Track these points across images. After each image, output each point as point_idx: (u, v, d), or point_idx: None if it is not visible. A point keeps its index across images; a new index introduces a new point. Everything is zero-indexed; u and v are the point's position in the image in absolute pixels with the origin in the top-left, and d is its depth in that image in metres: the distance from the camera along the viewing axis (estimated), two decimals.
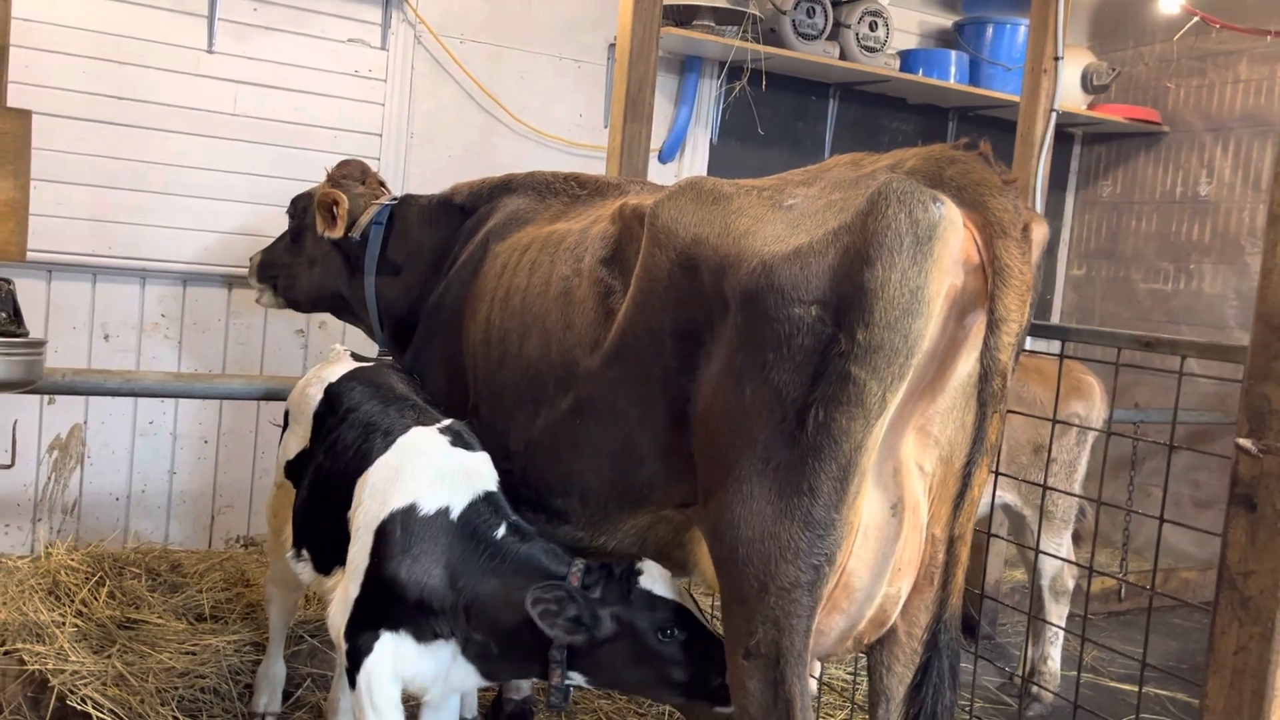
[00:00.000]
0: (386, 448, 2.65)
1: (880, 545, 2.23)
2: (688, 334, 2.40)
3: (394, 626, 2.45)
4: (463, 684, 2.58)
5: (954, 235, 2.04)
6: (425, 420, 2.75)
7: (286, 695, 3.62)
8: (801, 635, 2.16)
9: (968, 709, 3.77)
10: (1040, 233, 2.17)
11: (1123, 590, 5.68)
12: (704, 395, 2.35)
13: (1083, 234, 7.32)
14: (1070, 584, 4.41)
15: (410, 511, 2.48)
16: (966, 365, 2.18)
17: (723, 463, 2.26)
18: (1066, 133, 7.08)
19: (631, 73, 4.00)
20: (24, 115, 3.02)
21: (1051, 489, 3.51)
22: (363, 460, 2.66)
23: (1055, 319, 7.39)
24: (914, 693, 2.27)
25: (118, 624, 3.89)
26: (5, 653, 3.57)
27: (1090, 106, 6.66)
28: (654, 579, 2.41)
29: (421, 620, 2.45)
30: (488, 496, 2.55)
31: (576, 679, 2.44)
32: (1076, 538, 4.57)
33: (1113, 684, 4.75)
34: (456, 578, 2.44)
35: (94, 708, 3.36)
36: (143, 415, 4.88)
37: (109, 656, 3.63)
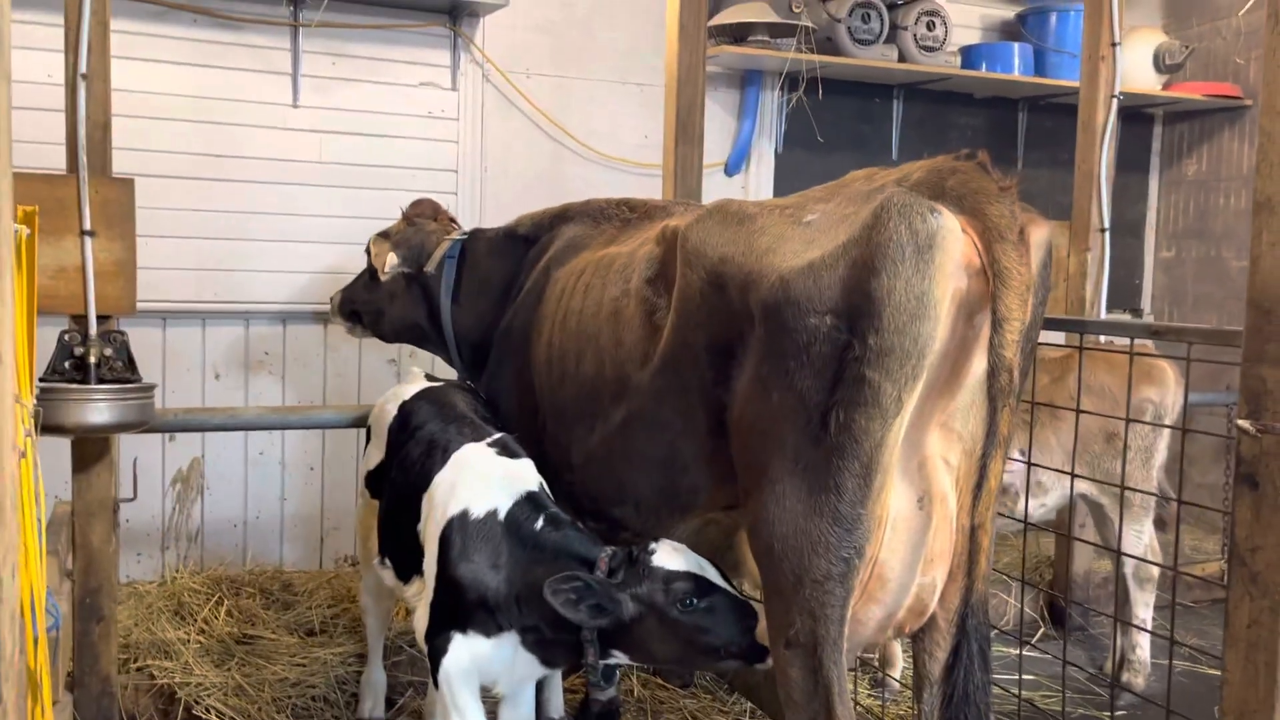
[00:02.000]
0: (444, 463, 2.90)
1: (910, 537, 2.36)
2: (721, 347, 2.56)
3: (464, 626, 2.67)
4: (526, 673, 2.79)
5: (953, 242, 2.16)
6: (479, 436, 2.99)
7: (390, 703, 3.89)
8: (836, 624, 2.30)
9: (991, 698, 3.79)
10: (1039, 235, 2.26)
11: (1225, 576, 5.55)
12: (738, 403, 2.51)
13: (1169, 215, 7.17)
14: (1155, 571, 4.35)
15: (464, 517, 2.72)
16: (981, 363, 2.29)
17: (757, 465, 2.42)
18: (1145, 114, 6.97)
19: (680, 97, 4.17)
20: (127, 183, 3.35)
21: (1079, 476, 3.54)
22: (426, 477, 2.91)
23: (1145, 303, 7.25)
24: (946, 674, 2.38)
25: (236, 640, 4.24)
26: (138, 669, 3.93)
27: (1166, 86, 6.56)
28: (666, 554, 2.55)
29: (486, 617, 2.66)
30: (529, 496, 2.77)
31: (621, 658, 2.62)
32: (1161, 523, 4.52)
33: (1210, 671, 4.69)
34: (508, 572, 2.66)
35: (217, 716, 3.69)
36: (253, 447, 5.25)
37: (229, 669, 3.97)
